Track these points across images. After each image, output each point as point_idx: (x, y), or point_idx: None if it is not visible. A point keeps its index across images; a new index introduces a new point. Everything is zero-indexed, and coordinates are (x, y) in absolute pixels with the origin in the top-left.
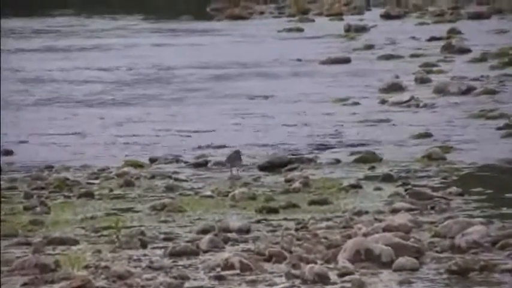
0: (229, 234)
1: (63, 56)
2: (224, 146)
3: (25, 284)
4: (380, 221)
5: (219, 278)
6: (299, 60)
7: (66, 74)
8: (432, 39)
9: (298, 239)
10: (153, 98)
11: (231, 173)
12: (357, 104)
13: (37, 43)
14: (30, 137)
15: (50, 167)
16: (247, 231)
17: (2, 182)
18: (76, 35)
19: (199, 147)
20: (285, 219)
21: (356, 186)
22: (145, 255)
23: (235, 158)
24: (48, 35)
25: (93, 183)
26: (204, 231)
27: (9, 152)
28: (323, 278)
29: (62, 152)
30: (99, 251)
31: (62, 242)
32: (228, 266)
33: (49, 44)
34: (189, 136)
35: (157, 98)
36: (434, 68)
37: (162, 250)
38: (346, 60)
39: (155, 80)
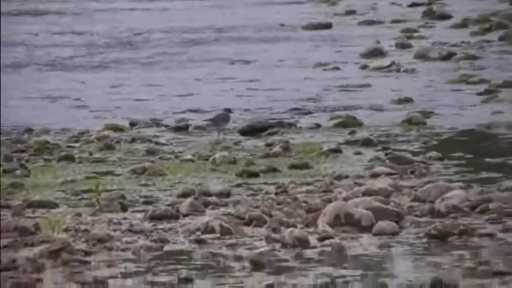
0: (209, 198)
1: (37, 20)
2: (204, 111)
3: (5, 246)
4: (360, 185)
5: (199, 242)
6: (282, 25)
7: (40, 38)
8: (413, 4)
9: (278, 203)
10: (132, 62)
11: (218, 134)
12: (337, 69)
13: (9, 6)
14: (10, 100)
15: (30, 130)
16: (228, 195)
17: None
18: None
19: (182, 112)
20: (265, 183)
21: (336, 151)
22: (125, 218)
23: (221, 119)
24: None
25: (73, 147)
26: (184, 195)
27: None
28: (303, 242)
29: (42, 115)
30: (79, 214)
31: (42, 205)
32: (208, 229)
33: (20, 7)
34: (169, 100)
35: (136, 61)
36: (415, 34)
37: (142, 214)
38: (328, 26)
39: (132, 45)
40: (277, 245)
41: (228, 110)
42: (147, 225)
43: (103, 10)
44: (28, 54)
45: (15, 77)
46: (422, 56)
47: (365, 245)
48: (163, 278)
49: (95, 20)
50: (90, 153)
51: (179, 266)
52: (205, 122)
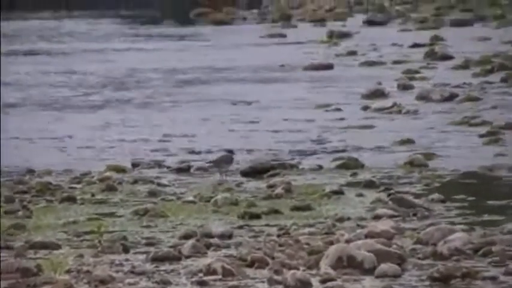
0: (211, 240)
1: (30, 60)
2: (206, 152)
3: None
4: (362, 227)
5: (201, 284)
6: (282, 66)
7: (37, 78)
8: (415, 45)
9: (280, 245)
10: (129, 102)
11: (220, 176)
12: (339, 110)
13: (5, 47)
14: (10, 140)
15: (31, 171)
16: (230, 236)
17: None
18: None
19: (184, 153)
20: (267, 225)
21: (338, 193)
22: (127, 260)
23: (224, 161)
24: (18, 39)
25: (76, 188)
26: (186, 237)
27: None
28: (305, 284)
29: (44, 156)
30: (81, 256)
31: (44, 246)
32: (210, 271)
33: (16, 48)
34: (170, 141)
35: (134, 102)
36: (417, 75)
37: (144, 255)
38: (329, 66)
39: (128, 85)
40: (280, 287)
41: (230, 152)
42: (149, 266)
43: (97, 50)
44: (23, 94)
45: (12, 118)
46: (424, 97)
47: (367, 287)
48: None
49: (90, 60)
50: (92, 195)
51: None
52: (207, 164)
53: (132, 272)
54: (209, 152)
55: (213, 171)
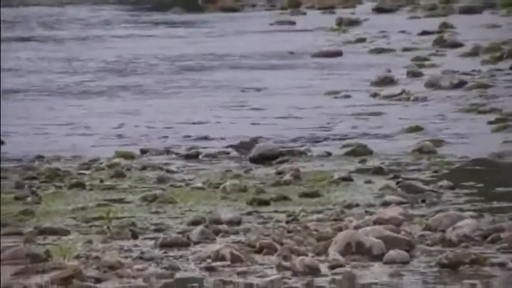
0: (220, 226)
1: (32, 46)
2: (215, 139)
3: (16, 273)
4: (371, 213)
5: (210, 269)
6: (291, 53)
7: (36, 64)
8: (424, 33)
9: (289, 231)
10: (138, 89)
11: (240, 161)
12: (348, 97)
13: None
14: (20, 127)
15: (41, 157)
16: (238, 223)
17: None
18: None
19: (193, 139)
20: (276, 211)
21: (347, 179)
22: (136, 246)
23: (245, 147)
24: (25, 25)
25: (84, 174)
26: (195, 223)
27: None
28: (314, 270)
29: (53, 142)
30: (90, 242)
31: (53, 232)
32: (218, 257)
33: (25, 34)
34: (180, 128)
35: (142, 88)
36: (426, 62)
37: (153, 241)
38: (338, 54)
39: (136, 71)
40: (288, 273)
41: (254, 140)
42: (158, 252)
43: (97, 37)
44: (27, 80)
45: (17, 104)
46: (433, 85)
47: (376, 273)
48: None
49: (95, 47)
50: (101, 181)
51: None
52: (229, 149)
53: (141, 258)
54: (217, 139)
55: (221, 157)
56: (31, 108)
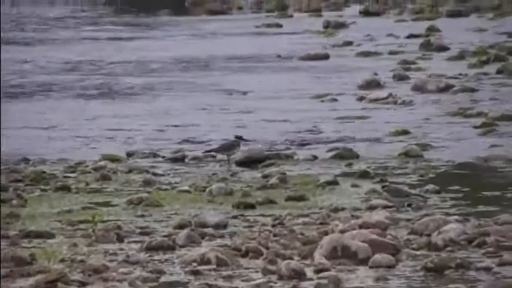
0: (205, 230)
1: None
2: (201, 142)
3: (1, 276)
4: (357, 217)
5: (195, 273)
6: (279, 56)
7: (30, 66)
8: (411, 36)
9: (274, 235)
10: (124, 92)
11: (228, 163)
12: (335, 100)
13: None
14: (5, 130)
15: (26, 160)
16: (224, 226)
17: None
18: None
19: (178, 142)
20: (262, 215)
21: (333, 183)
22: (121, 249)
23: (229, 148)
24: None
25: (70, 177)
26: (181, 226)
27: None
28: (299, 274)
29: (38, 145)
30: (75, 245)
31: (38, 235)
32: (204, 260)
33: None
34: (165, 131)
35: (129, 91)
36: (413, 66)
37: (139, 244)
38: (325, 57)
39: (123, 74)
40: (274, 277)
41: (239, 138)
42: (143, 256)
43: (88, 38)
44: (18, 82)
45: (7, 106)
46: (419, 88)
47: (361, 277)
48: None
49: (80, 50)
50: (87, 184)
51: None
52: (213, 152)
53: (126, 261)
54: (203, 142)
55: (208, 161)
56: (16, 111)
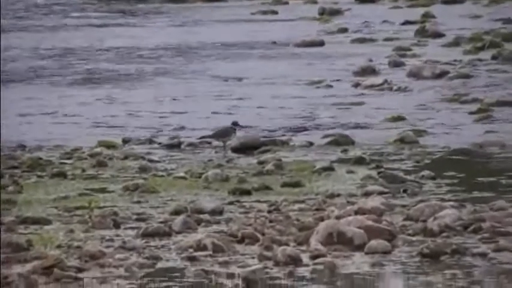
0: (202, 216)
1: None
2: (196, 128)
3: None
4: (352, 203)
5: (192, 259)
6: (274, 42)
7: (26, 53)
8: (406, 23)
9: (270, 221)
10: (119, 77)
11: (224, 149)
12: (330, 86)
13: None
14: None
15: (22, 146)
16: (220, 212)
17: None
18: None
19: (174, 129)
20: (258, 201)
21: (329, 169)
22: (118, 235)
23: (226, 134)
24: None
25: (66, 163)
26: (177, 212)
27: None
28: (295, 260)
29: (35, 131)
30: (72, 231)
31: (35, 221)
32: (200, 247)
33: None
34: (161, 117)
35: (123, 78)
36: (408, 52)
37: (135, 230)
38: (320, 43)
39: (118, 61)
40: (270, 263)
41: (235, 124)
42: (140, 242)
43: (83, 25)
44: (14, 69)
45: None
46: (415, 75)
47: (357, 263)
48: None
49: (74, 36)
50: (83, 170)
51: (171, 283)
52: (208, 138)
53: (123, 248)
54: (199, 129)
55: (203, 147)
56: (16, 97)
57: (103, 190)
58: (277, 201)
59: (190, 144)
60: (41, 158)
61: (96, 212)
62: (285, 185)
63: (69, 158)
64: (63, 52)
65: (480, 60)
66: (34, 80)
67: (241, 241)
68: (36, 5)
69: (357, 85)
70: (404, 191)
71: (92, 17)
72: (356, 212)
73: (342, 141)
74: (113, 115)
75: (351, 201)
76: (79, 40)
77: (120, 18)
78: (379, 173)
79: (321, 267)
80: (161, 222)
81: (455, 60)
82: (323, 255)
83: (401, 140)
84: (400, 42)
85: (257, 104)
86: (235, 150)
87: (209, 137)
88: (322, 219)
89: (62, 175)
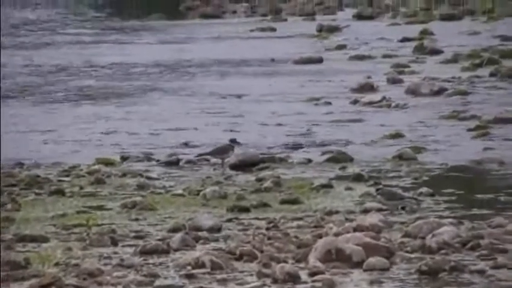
0: (200, 233)
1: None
2: (195, 145)
3: None
4: (351, 220)
5: (190, 277)
6: (272, 60)
7: (24, 70)
8: (404, 39)
9: (269, 238)
10: (117, 95)
11: (222, 166)
12: (329, 103)
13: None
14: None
15: (20, 164)
16: (218, 230)
17: None
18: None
19: (173, 146)
20: (256, 218)
21: (327, 186)
22: (115, 253)
23: (224, 151)
24: None
25: (64, 181)
26: (175, 230)
27: None
28: (294, 278)
29: (33, 149)
30: (70, 249)
31: (33, 239)
32: (198, 264)
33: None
34: (160, 134)
35: (121, 95)
36: (406, 69)
37: (133, 248)
38: (319, 60)
39: (116, 77)
40: (268, 280)
41: (233, 141)
42: (138, 259)
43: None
44: (11, 86)
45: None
46: (413, 92)
47: (356, 280)
48: None
49: (66, 53)
50: (81, 188)
51: None
52: (207, 156)
53: (121, 265)
54: (198, 146)
55: (202, 164)
56: (13, 115)
57: (101, 207)
58: (275, 218)
59: (188, 162)
60: (38, 176)
61: (94, 230)
62: (283, 202)
63: (67, 176)
64: (55, 69)
65: (478, 77)
66: (26, 97)
67: (239, 258)
68: (25, 23)
69: (355, 102)
70: (403, 208)
71: (84, 34)
72: (354, 229)
73: (340, 158)
74: (107, 132)
75: (349, 218)
76: (74, 57)
77: (111, 35)
78: (377, 190)
79: (319, 284)
80: (159, 240)
81: (453, 77)
82: (321, 273)
83: (400, 157)
84: (399, 59)
85: (255, 121)
86: (234, 167)
87: (207, 154)
88: (320, 236)
89: (60, 193)
